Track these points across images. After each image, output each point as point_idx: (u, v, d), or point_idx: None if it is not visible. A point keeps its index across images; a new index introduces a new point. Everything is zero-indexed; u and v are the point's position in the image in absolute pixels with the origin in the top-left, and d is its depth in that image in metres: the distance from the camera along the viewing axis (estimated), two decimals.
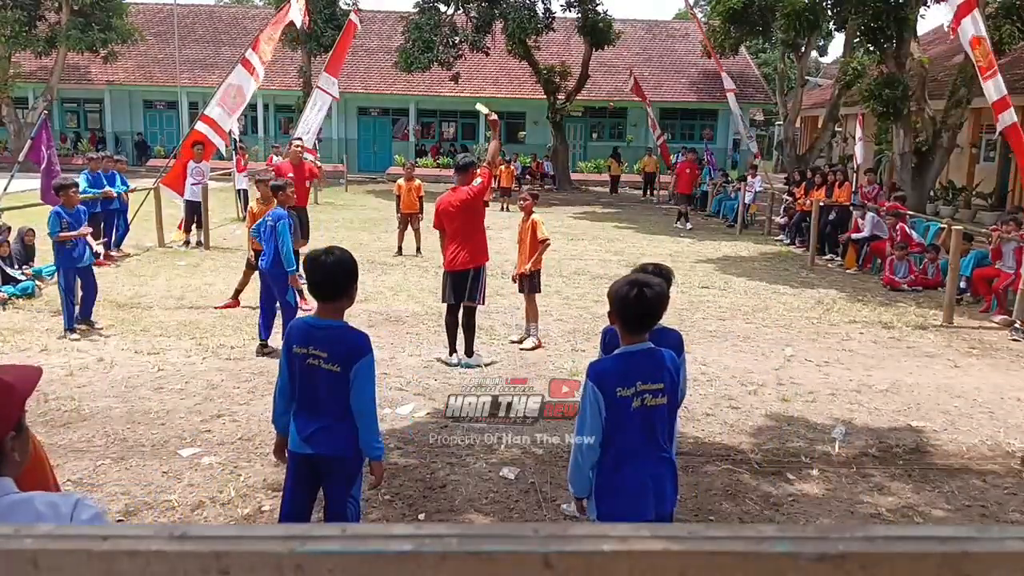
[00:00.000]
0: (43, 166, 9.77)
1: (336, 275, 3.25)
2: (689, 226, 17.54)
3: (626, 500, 2.98)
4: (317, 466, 3.40)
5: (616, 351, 3.08)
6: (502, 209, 19.68)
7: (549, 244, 7.74)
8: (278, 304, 7.34)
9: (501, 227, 16.26)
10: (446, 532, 0.62)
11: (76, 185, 8.21)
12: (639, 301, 2.94)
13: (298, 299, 8.92)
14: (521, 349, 7.50)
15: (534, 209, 7.69)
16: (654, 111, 27.03)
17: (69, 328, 7.59)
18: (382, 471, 3.48)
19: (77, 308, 7.77)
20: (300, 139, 11.70)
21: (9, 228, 9.99)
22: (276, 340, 7.19)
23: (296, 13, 13.91)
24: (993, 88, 9.36)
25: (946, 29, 9.94)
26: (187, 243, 13.21)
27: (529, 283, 7.67)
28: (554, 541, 0.62)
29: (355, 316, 8.62)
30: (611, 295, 3.04)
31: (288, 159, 10.75)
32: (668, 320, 3.53)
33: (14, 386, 1.67)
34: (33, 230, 10.51)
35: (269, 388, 6.26)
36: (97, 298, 8.07)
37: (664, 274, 3.67)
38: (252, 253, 8.88)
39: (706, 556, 0.63)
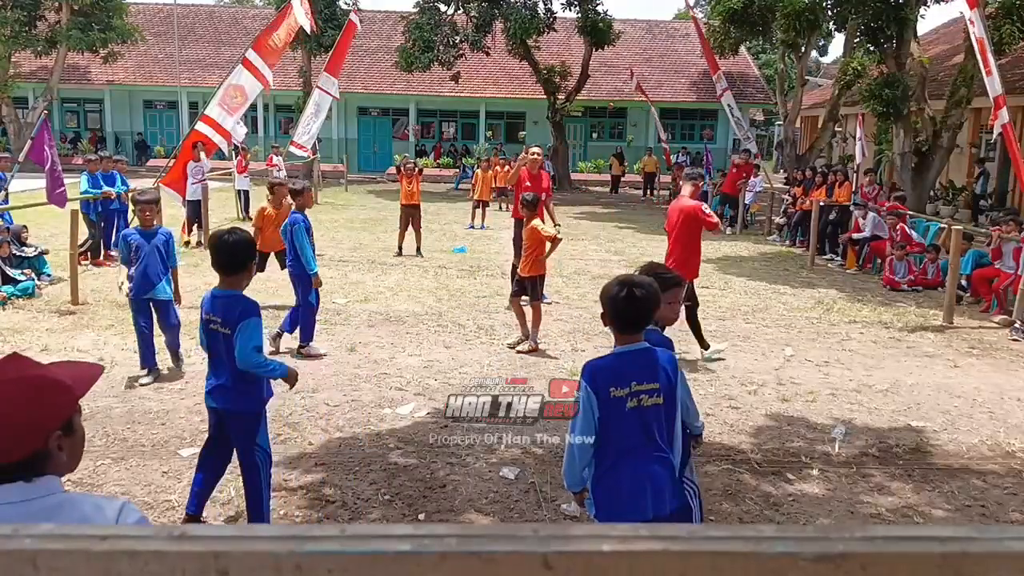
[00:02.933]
0: (47, 166, 9.75)
1: (236, 252, 3.81)
2: (729, 231, 17.04)
3: (623, 499, 2.98)
4: (220, 419, 4.00)
5: (610, 351, 3.08)
6: (500, 209, 19.69)
7: (560, 239, 7.66)
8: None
9: (501, 227, 16.27)
10: (445, 532, 0.62)
11: (154, 202, 6.60)
12: (629, 301, 2.94)
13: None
14: (515, 350, 7.42)
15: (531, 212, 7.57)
16: (655, 111, 27.05)
17: (144, 365, 6.49)
18: (295, 375, 4.10)
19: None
20: (539, 147, 10.47)
21: (8, 229, 10.00)
22: (281, 340, 7.21)
23: (304, 19, 13.82)
24: (991, 86, 9.40)
25: (966, 18, 9.95)
26: (187, 243, 13.21)
27: (531, 289, 7.44)
28: (554, 541, 0.62)
29: (355, 316, 8.63)
30: (602, 296, 3.04)
31: (526, 167, 9.65)
32: None
33: (68, 386, 1.65)
34: (26, 227, 10.55)
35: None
36: (176, 337, 6.68)
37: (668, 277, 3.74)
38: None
39: (706, 556, 0.63)
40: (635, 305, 2.95)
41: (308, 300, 7.28)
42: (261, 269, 8.86)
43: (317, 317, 7.54)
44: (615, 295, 2.96)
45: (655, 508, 3.02)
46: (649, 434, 2.98)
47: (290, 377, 4.06)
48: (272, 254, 8.92)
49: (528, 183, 9.40)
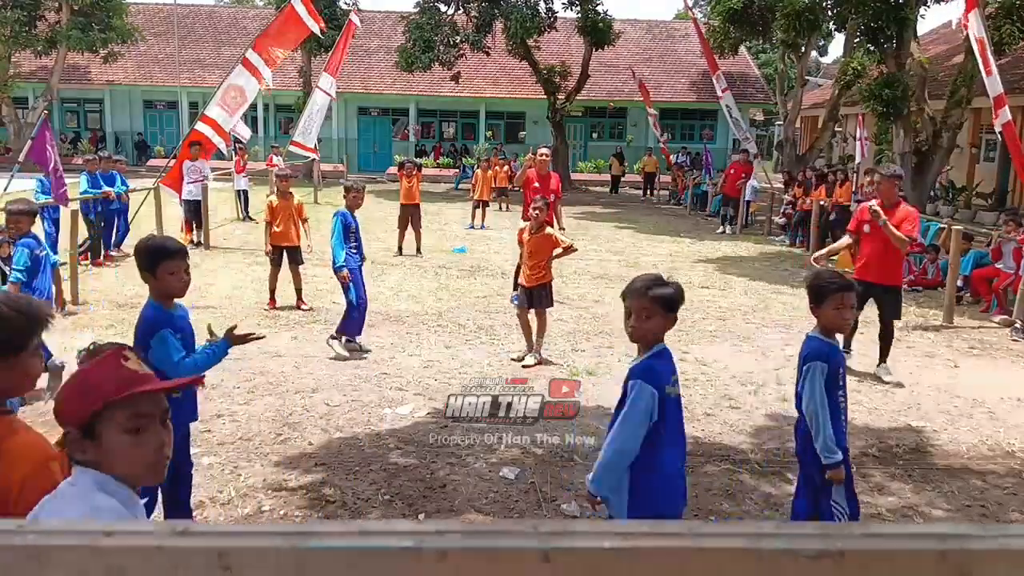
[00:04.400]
0: (50, 166, 9.76)
1: (136, 257, 3.63)
2: (729, 231, 17.10)
3: (666, 495, 3.03)
4: None
5: (655, 350, 3.04)
6: (500, 209, 19.69)
7: (576, 249, 7.32)
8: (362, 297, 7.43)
9: (501, 227, 16.28)
10: (447, 528, 0.62)
11: (21, 214, 6.16)
12: (679, 296, 3.00)
13: (297, 298, 8.96)
14: (524, 366, 6.97)
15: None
16: (655, 111, 27.00)
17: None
18: (234, 338, 3.71)
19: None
20: (548, 147, 10.39)
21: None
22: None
23: (312, 24, 13.77)
24: (992, 86, 9.42)
25: (954, 26, 10.04)
26: (192, 243, 13.20)
27: (547, 297, 7.09)
28: (554, 538, 0.62)
29: None
30: (638, 292, 3.02)
31: (536, 167, 9.59)
32: None
33: (90, 387, 1.63)
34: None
35: (269, 388, 6.27)
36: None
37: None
38: (270, 248, 8.95)
39: (706, 553, 0.63)
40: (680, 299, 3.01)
41: (348, 298, 7.29)
42: (277, 264, 8.92)
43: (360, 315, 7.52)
44: (675, 290, 2.99)
45: (683, 500, 3.12)
46: (682, 427, 3.06)
47: (232, 342, 3.69)
48: (284, 250, 8.95)
49: (537, 184, 9.24)
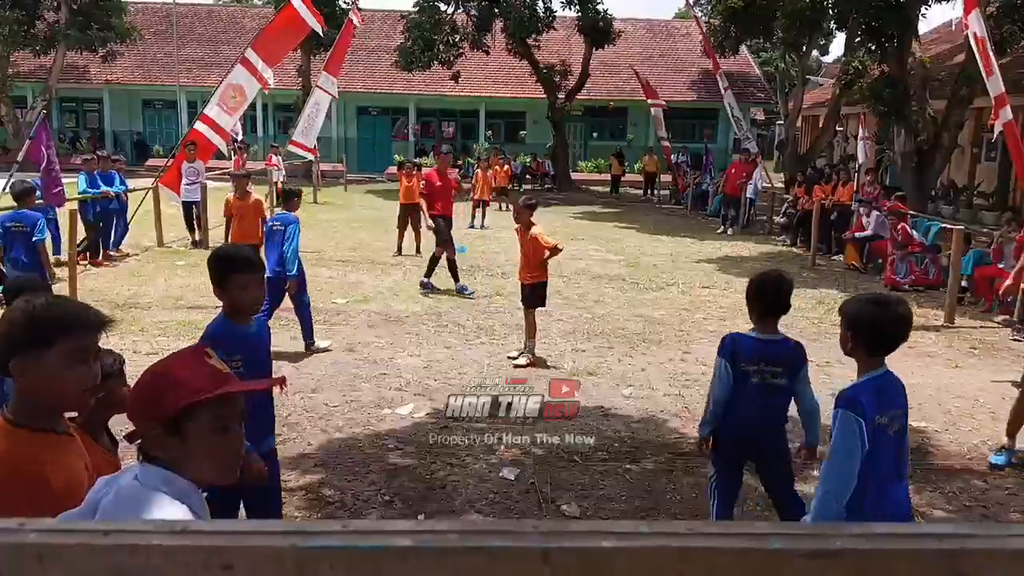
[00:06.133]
0: (43, 165, 9.79)
1: (208, 267, 3.31)
2: (731, 231, 17.10)
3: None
4: None
5: (865, 377, 2.94)
6: (500, 208, 19.69)
7: (561, 250, 7.18)
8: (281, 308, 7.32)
9: (500, 227, 16.26)
10: (446, 528, 0.62)
11: None
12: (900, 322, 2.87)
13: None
14: (515, 366, 6.96)
15: (532, 220, 7.08)
16: (664, 105, 26.85)
17: None
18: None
19: None
20: (446, 146, 11.46)
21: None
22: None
23: (313, 22, 13.72)
24: (993, 86, 9.42)
25: (954, 27, 10.03)
26: (192, 243, 13.21)
27: (530, 296, 7.10)
28: (553, 537, 0.62)
29: (355, 316, 8.64)
30: (855, 317, 2.89)
31: (436, 167, 10.56)
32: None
33: (173, 384, 1.59)
34: None
35: None
36: None
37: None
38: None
39: (703, 552, 0.63)
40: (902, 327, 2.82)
41: (306, 300, 7.33)
42: None
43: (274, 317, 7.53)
44: (880, 316, 2.83)
45: None
46: (900, 460, 2.92)
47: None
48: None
49: (439, 183, 10.04)
